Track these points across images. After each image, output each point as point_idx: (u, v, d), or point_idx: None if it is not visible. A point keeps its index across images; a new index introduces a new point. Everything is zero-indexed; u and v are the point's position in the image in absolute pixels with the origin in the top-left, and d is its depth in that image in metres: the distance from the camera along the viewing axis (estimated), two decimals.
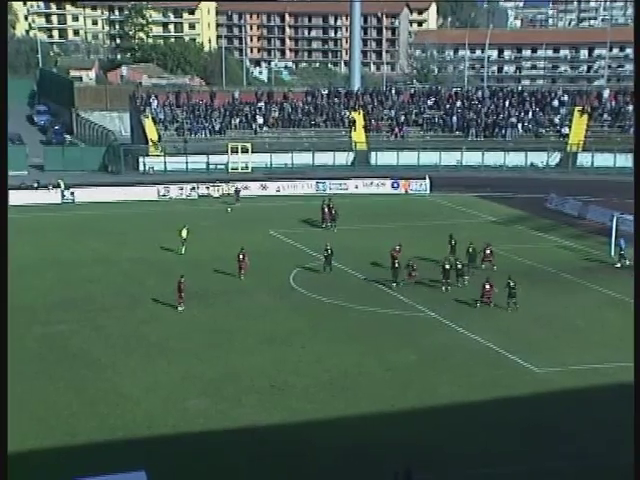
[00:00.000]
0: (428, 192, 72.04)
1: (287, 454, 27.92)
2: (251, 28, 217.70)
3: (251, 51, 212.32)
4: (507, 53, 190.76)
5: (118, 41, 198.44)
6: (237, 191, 67.21)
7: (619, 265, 49.31)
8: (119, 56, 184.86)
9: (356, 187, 72.69)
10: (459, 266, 45.50)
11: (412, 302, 42.94)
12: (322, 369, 34.77)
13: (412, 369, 34.88)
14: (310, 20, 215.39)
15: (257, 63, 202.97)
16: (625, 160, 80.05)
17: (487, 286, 42.10)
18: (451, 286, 44.68)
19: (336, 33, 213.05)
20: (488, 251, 48.20)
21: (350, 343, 37.69)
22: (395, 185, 72.98)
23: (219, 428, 29.63)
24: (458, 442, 28.74)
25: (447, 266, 44.91)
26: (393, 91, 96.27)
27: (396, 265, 45.49)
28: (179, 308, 41.31)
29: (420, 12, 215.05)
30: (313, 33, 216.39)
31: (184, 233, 51.98)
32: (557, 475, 26.87)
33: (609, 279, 46.96)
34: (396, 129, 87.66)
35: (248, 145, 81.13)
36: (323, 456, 27.88)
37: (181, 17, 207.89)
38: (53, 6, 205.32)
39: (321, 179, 73.39)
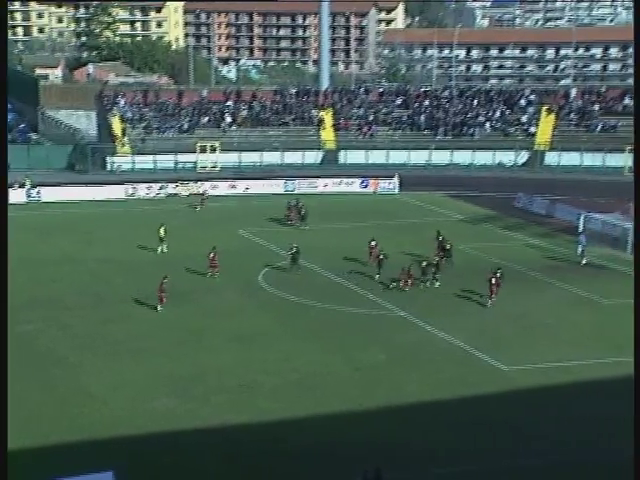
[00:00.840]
0: (397, 191, 72.16)
1: (256, 453, 27.82)
2: (219, 27, 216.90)
3: (219, 50, 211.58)
4: (475, 52, 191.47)
5: (84, 39, 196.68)
6: (203, 195, 66.44)
7: (584, 262, 49.61)
8: (85, 54, 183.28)
9: (325, 186, 72.64)
10: (435, 263, 45.78)
11: (381, 301, 42.97)
12: (290, 368, 34.71)
13: (380, 368, 34.90)
14: (279, 19, 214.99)
15: (225, 62, 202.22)
16: (592, 159, 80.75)
17: (493, 280, 42.36)
18: (428, 283, 44.83)
19: (305, 32, 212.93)
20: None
21: (318, 342, 37.66)
22: (364, 184, 73.03)
23: (187, 428, 29.45)
24: (426, 440, 28.78)
25: (424, 264, 45.08)
26: (362, 90, 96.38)
27: (380, 257, 46.18)
28: (159, 307, 41.05)
29: (388, 11, 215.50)
30: (282, 32, 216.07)
31: (162, 232, 51.79)
32: (523, 472, 26.95)
33: (577, 277, 47.25)
34: (365, 128, 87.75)
35: (217, 144, 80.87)
36: (292, 455, 27.79)
37: (148, 15, 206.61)
38: (17, 3, 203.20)
39: (290, 178, 73.29)
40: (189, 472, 26.78)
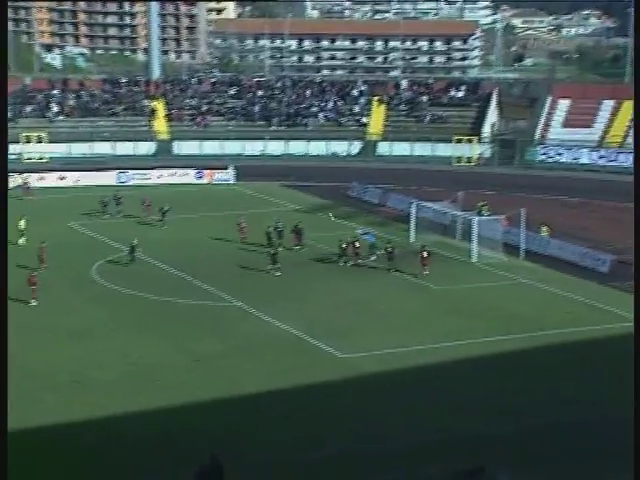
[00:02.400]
0: (233, 181, 71.90)
1: (90, 450, 27.05)
2: (40, 11, 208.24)
3: (42, 36, 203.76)
4: (307, 43, 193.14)
5: None
6: (25, 185, 64.34)
7: (373, 258, 48.37)
8: None
9: (158, 177, 71.49)
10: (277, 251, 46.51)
11: (217, 292, 42.71)
12: (126, 362, 34.03)
13: (218, 359, 34.67)
14: (104, 5, 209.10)
15: (49, 48, 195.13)
16: (421, 149, 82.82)
17: (424, 254, 45.32)
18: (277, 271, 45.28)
19: (133, 19, 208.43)
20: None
21: (154, 335, 37.07)
22: (199, 175, 72.37)
23: (17, 428, 28.12)
24: (265, 429, 28.72)
25: (272, 252, 45.71)
26: (194, 80, 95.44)
27: (269, 230, 49.06)
28: (32, 303, 39.84)
29: (219, 0, 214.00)
30: (109, 19, 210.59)
31: (22, 224, 50.16)
32: (363, 457, 27.30)
33: (409, 264, 48.15)
34: (198, 118, 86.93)
35: (43, 134, 78.35)
36: (131, 449, 27.19)
37: None
38: None
39: (123, 169, 71.75)
40: (17, 473, 25.69)
